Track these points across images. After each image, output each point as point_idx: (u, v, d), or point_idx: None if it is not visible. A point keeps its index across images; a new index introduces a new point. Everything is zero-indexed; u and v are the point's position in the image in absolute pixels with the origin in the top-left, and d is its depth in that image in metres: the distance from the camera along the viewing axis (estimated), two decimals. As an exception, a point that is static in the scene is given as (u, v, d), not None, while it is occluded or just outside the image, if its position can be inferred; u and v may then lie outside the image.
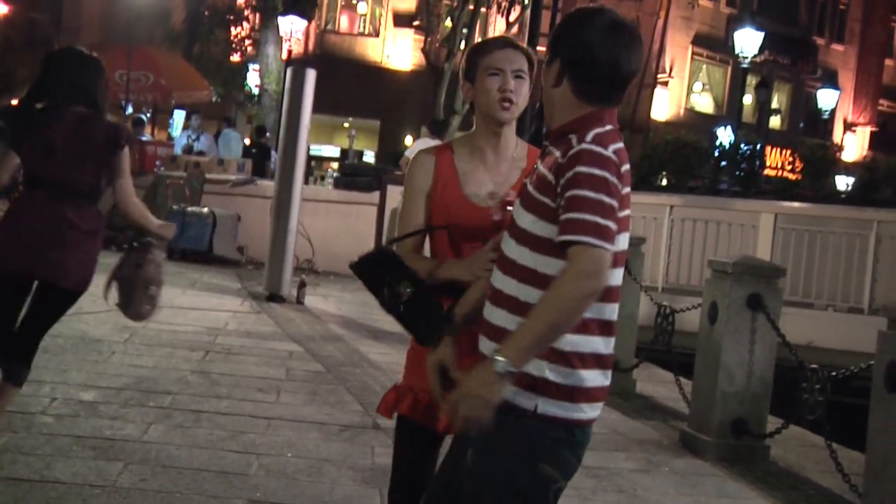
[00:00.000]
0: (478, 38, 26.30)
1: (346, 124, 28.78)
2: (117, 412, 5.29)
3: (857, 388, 5.59)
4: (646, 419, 6.60)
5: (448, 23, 24.88)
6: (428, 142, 14.29)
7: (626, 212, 2.34)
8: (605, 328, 2.37)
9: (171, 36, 25.22)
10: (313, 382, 6.52)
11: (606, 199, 2.22)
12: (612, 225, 2.22)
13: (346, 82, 25.07)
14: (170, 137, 20.53)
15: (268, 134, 18.44)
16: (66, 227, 4.23)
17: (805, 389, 5.18)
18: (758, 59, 25.89)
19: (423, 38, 26.30)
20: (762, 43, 23.48)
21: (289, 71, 10.73)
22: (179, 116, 20.59)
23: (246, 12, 26.07)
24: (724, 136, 23.22)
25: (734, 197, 14.07)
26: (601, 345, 2.36)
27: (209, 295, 9.84)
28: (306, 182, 13.02)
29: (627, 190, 2.33)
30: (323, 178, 17.84)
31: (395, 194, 13.11)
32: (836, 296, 11.45)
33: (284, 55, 22.16)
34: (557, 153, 2.34)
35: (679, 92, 34.70)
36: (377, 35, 30.14)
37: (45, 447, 4.57)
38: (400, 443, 2.95)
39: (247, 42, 26.52)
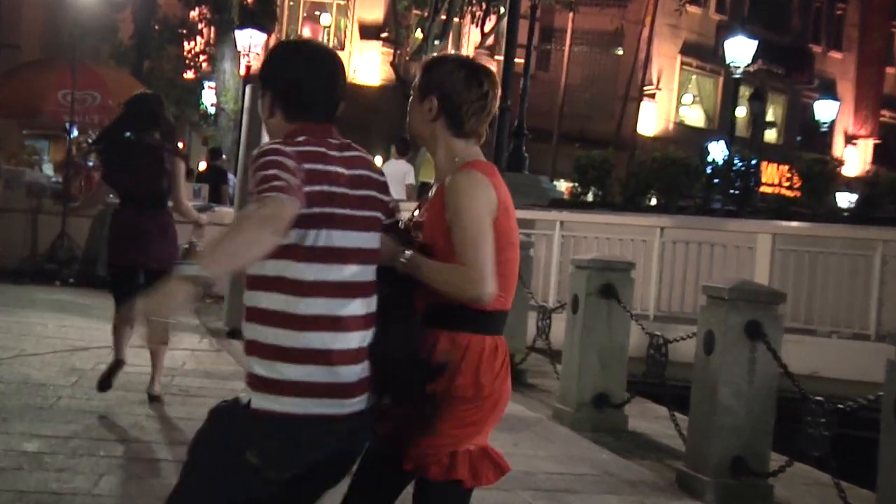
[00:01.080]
0: (451, 51, 26.46)
1: (310, 144, 28.77)
2: (65, 463, 5.24)
3: (865, 421, 5.61)
4: (639, 458, 6.61)
5: (418, 34, 25.01)
6: (397, 163, 14.34)
7: (331, 210, 2.65)
8: (293, 321, 2.59)
9: (119, 52, 25.08)
10: (279, 426, 6.47)
11: (277, 171, 2.53)
12: (290, 179, 2.51)
13: (310, 99, 25.07)
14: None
15: (224, 156, 18.41)
16: (149, 229, 6.42)
17: (809, 423, 5.20)
18: (750, 69, 26.19)
19: (391, 51, 26.41)
20: (755, 52, 23.75)
21: (248, 88, 10.77)
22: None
23: (200, 26, 26.01)
24: (717, 151, 23.45)
25: (728, 217, 14.18)
26: (287, 338, 2.59)
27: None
28: (268, 208, 12.93)
29: (323, 188, 2.64)
30: (286, 204, 17.84)
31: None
32: (840, 321, 11.52)
33: (243, 71, 22.16)
34: None
35: (667, 105, 35.00)
36: (342, 48, 30.25)
37: (-15, 503, 4.52)
38: (360, 470, 2.91)
39: (201, 58, 26.45)
